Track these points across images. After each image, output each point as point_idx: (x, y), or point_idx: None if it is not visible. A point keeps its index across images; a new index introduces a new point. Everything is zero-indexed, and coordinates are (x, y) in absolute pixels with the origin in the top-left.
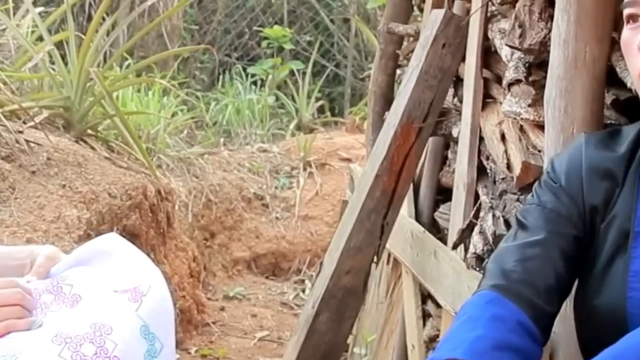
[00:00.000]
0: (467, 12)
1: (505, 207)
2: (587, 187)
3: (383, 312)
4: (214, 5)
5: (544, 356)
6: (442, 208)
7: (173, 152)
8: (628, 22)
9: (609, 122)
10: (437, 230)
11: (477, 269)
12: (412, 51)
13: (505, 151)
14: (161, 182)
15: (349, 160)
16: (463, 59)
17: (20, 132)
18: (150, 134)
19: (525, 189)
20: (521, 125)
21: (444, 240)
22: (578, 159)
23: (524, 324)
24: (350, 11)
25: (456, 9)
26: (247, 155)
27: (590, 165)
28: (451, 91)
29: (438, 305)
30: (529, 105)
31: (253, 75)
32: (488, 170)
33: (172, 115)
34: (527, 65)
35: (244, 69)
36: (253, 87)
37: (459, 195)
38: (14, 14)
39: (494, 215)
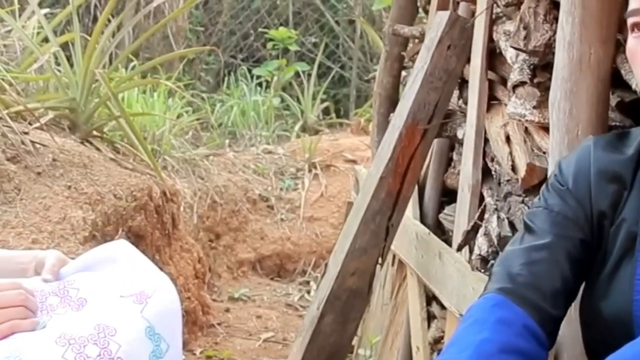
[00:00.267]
0: (472, 13)
1: (510, 209)
2: (595, 190)
3: (388, 313)
4: (220, 6)
5: (549, 358)
6: (447, 210)
7: (178, 153)
8: (633, 30)
9: (613, 124)
10: (442, 232)
11: (482, 270)
12: (417, 53)
13: (510, 153)
14: (166, 183)
15: (354, 161)
16: (468, 61)
17: (26, 133)
18: (155, 135)
19: (530, 190)
20: (526, 127)
21: (448, 242)
22: (586, 162)
23: (530, 328)
24: (355, 13)
25: (461, 11)
26: (252, 156)
27: (599, 169)
28: (456, 93)
29: (443, 307)
30: (534, 107)
31: (258, 77)
32: (493, 172)
33: (178, 117)
34: (532, 67)
35: (249, 71)
36: (258, 88)
37: (464, 197)
38: (20, 15)
39: (498, 217)
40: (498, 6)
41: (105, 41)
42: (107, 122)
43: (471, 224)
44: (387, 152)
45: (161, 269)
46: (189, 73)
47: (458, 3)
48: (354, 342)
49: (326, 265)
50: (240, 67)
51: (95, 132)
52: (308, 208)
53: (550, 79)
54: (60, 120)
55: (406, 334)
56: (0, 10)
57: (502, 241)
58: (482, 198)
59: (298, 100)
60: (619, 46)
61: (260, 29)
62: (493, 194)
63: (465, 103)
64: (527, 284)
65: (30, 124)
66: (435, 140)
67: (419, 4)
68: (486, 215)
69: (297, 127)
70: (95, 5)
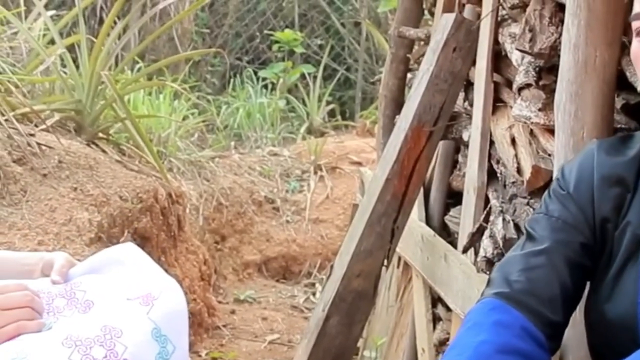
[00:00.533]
0: (478, 16)
1: (515, 211)
2: (598, 195)
3: (393, 315)
4: (225, 8)
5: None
6: (453, 212)
7: (184, 155)
8: (638, 34)
9: (619, 126)
10: (447, 234)
11: (487, 272)
12: (423, 55)
13: (516, 155)
14: (172, 185)
15: (359, 163)
16: (473, 63)
17: (32, 135)
18: (161, 137)
19: (536, 192)
20: (531, 129)
21: (454, 243)
22: (589, 167)
23: (528, 330)
24: (361, 15)
25: (467, 13)
26: (257, 158)
27: (602, 174)
28: (462, 95)
29: (448, 309)
30: (539, 110)
31: (264, 79)
32: (498, 174)
33: (183, 119)
34: (537, 69)
35: (255, 73)
36: (264, 90)
37: (469, 199)
38: (26, 17)
39: (504, 219)
40: (504, 8)
41: (111, 43)
42: (113, 124)
43: (476, 226)
44: (392, 154)
45: (167, 270)
46: (195, 75)
47: (464, 5)
48: (360, 343)
49: (332, 267)
50: (246, 69)
51: (101, 134)
52: (313, 210)
53: (555, 82)
54: (66, 122)
55: (411, 336)
56: (7, 12)
57: (508, 243)
58: (487, 200)
59: (304, 103)
60: (625, 48)
61: (265, 31)
62: (498, 196)
63: (471, 105)
64: (524, 290)
65: (36, 125)
66: (441, 143)
67: (424, 6)
68: (491, 218)
69: (302, 129)
70: (101, 7)
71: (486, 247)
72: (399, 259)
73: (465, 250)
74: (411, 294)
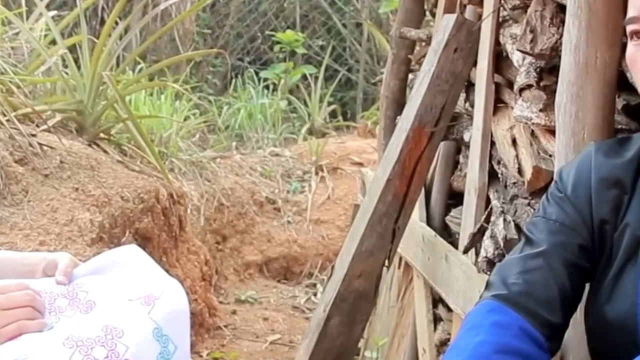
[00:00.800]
0: (479, 17)
1: (516, 211)
2: (596, 198)
3: (394, 315)
4: (227, 9)
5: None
6: (454, 212)
7: (185, 155)
8: (632, 37)
9: (619, 127)
10: (448, 235)
11: (488, 273)
12: (424, 56)
13: (517, 156)
14: (173, 185)
15: (360, 164)
16: (475, 64)
17: (34, 135)
18: (162, 137)
19: (536, 193)
20: (532, 130)
21: (455, 244)
22: (587, 169)
23: (527, 330)
24: (362, 16)
25: (468, 14)
26: (259, 159)
27: (600, 176)
28: (463, 96)
29: (449, 309)
30: (540, 110)
31: (265, 80)
32: (499, 175)
33: (185, 119)
34: (538, 70)
35: (256, 73)
36: (265, 91)
37: (470, 199)
38: (28, 17)
39: (505, 220)
40: (505, 9)
41: (113, 44)
42: (114, 124)
43: (477, 226)
44: (393, 154)
45: (168, 271)
46: (196, 76)
47: (465, 6)
48: (360, 344)
49: (333, 267)
50: (247, 69)
51: (102, 135)
52: (315, 211)
53: (556, 82)
54: (68, 123)
55: (412, 336)
56: (8, 13)
57: (509, 244)
58: (488, 201)
59: (305, 103)
60: (625, 49)
61: (267, 32)
62: (499, 196)
63: (472, 106)
64: (522, 292)
65: (37, 126)
66: (442, 143)
67: (425, 7)
68: (492, 218)
69: (304, 130)
70: (103, 8)
71: (487, 247)
72: (400, 259)
73: (466, 251)
74: (412, 295)
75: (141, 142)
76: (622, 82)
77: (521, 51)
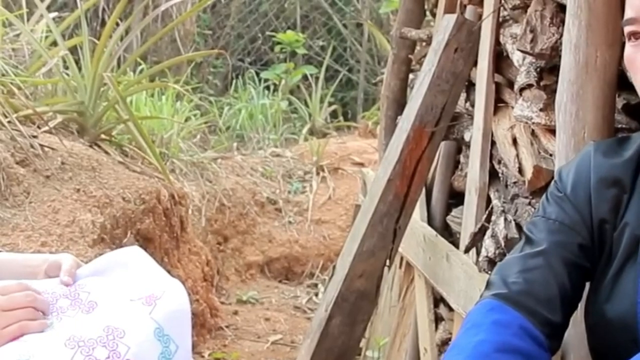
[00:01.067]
0: (479, 17)
1: (517, 211)
2: (595, 197)
3: (395, 315)
4: (227, 10)
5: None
6: (454, 212)
7: (186, 156)
8: (629, 38)
9: (619, 126)
10: (449, 234)
11: (489, 272)
12: (425, 56)
13: (517, 155)
14: (174, 186)
15: (361, 164)
16: (475, 64)
17: (35, 136)
18: (163, 138)
19: (537, 192)
20: (533, 130)
21: (456, 243)
22: (586, 169)
23: (527, 329)
24: (363, 16)
25: (468, 14)
26: (260, 159)
27: (599, 176)
28: (463, 96)
29: (450, 309)
30: (541, 110)
31: (266, 80)
32: (500, 174)
33: (186, 120)
34: (538, 70)
35: (257, 74)
36: (266, 91)
37: (471, 199)
38: (28, 19)
39: (505, 219)
40: (505, 9)
41: (114, 45)
42: (115, 125)
43: (478, 226)
44: (394, 154)
45: (169, 271)
46: (197, 76)
47: (465, 6)
48: (362, 344)
49: (334, 267)
50: (248, 70)
51: (103, 136)
52: (316, 211)
53: (556, 82)
54: (69, 124)
55: (414, 336)
56: (9, 14)
57: (509, 243)
58: (489, 200)
59: (306, 104)
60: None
61: (267, 33)
62: (500, 196)
63: (472, 106)
64: (522, 291)
65: (39, 127)
66: (443, 143)
67: (426, 7)
68: (493, 217)
69: (304, 130)
70: (104, 9)
71: (488, 247)
72: (401, 259)
73: (467, 250)
74: (413, 294)
75: (142, 143)
76: (622, 82)
77: (521, 51)
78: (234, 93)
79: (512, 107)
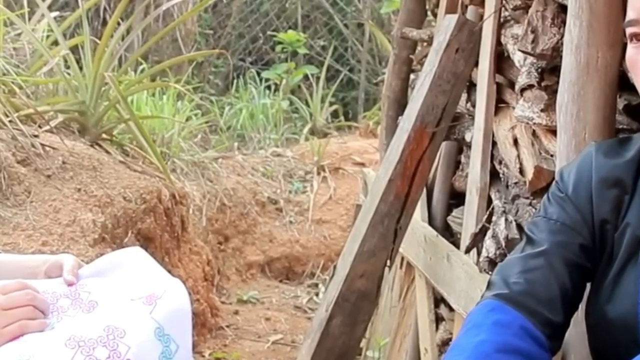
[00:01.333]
0: (480, 17)
1: (517, 211)
2: (597, 198)
3: (396, 315)
4: (228, 9)
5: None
6: (455, 212)
7: (187, 156)
8: (631, 40)
9: (620, 127)
10: (450, 235)
11: (490, 272)
12: (426, 56)
13: (518, 156)
14: (175, 186)
15: (362, 164)
16: (476, 64)
17: (36, 136)
18: (164, 138)
19: (538, 193)
20: (534, 130)
21: (456, 244)
22: (588, 169)
23: (528, 329)
24: (364, 16)
25: (469, 15)
26: (261, 159)
27: (600, 176)
28: (464, 96)
29: (451, 309)
30: (542, 110)
31: (267, 80)
32: (501, 175)
33: (187, 120)
34: (539, 70)
35: (258, 74)
36: (267, 91)
37: (472, 199)
38: (30, 18)
39: (506, 220)
40: (506, 10)
41: (115, 44)
42: (116, 125)
43: (479, 226)
44: (395, 155)
45: (170, 271)
46: (198, 76)
47: (466, 6)
48: (362, 344)
49: (334, 267)
50: (249, 70)
51: (104, 135)
52: (317, 211)
53: (557, 83)
54: (70, 123)
55: (414, 336)
56: (11, 14)
57: (510, 243)
58: (490, 201)
59: (307, 103)
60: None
61: (269, 32)
62: (501, 196)
63: (473, 106)
64: (523, 291)
65: (40, 127)
66: (443, 143)
67: (427, 7)
68: (494, 218)
69: (305, 130)
70: (105, 9)
71: (489, 247)
72: (402, 259)
73: (467, 251)
74: (414, 294)
75: (143, 142)
76: (623, 82)
77: (522, 51)
78: (235, 93)
79: (513, 108)
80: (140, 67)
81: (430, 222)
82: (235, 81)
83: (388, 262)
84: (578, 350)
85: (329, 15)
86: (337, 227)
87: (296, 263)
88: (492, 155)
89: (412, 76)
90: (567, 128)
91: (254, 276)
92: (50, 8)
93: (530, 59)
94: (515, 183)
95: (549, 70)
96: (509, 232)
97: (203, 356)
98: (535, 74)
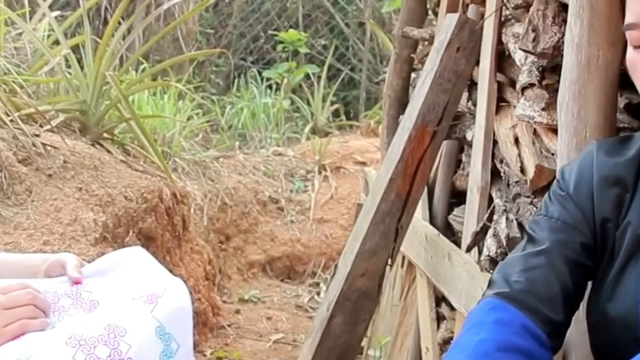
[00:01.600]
0: (481, 16)
1: (518, 210)
2: (598, 196)
3: (397, 314)
4: (230, 9)
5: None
6: (456, 211)
7: (188, 155)
8: (631, 43)
9: (621, 125)
10: (451, 233)
11: (491, 271)
12: (427, 55)
13: (519, 154)
14: (177, 185)
15: (363, 163)
16: (477, 63)
17: (37, 135)
18: (165, 137)
19: (539, 192)
20: (535, 129)
21: (457, 243)
22: (589, 168)
23: (529, 328)
24: (365, 15)
25: (470, 13)
26: (262, 158)
27: (602, 175)
28: (465, 95)
29: (452, 308)
30: (543, 109)
31: (268, 79)
32: (502, 174)
33: (188, 119)
34: (540, 69)
35: (259, 73)
36: (268, 90)
37: (473, 198)
38: (31, 18)
39: (507, 218)
40: (507, 8)
41: (116, 44)
42: (117, 124)
43: (480, 225)
44: (396, 153)
45: (171, 270)
46: (199, 75)
47: (467, 5)
48: (364, 343)
49: (336, 266)
50: (250, 69)
51: (105, 135)
52: (318, 210)
53: (558, 81)
54: (71, 123)
55: (415, 335)
56: (12, 13)
57: (511, 242)
58: (491, 199)
59: (308, 103)
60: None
61: (270, 32)
62: (502, 195)
63: (474, 105)
64: (524, 290)
65: (41, 126)
66: (445, 142)
67: (428, 6)
68: (495, 217)
69: (307, 129)
70: (106, 8)
71: (490, 246)
72: (403, 258)
73: (469, 250)
74: (415, 293)
75: (144, 141)
76: (624, 81)
77: (523, 50)
78: (236, 92)
79: (514, 107)
80: (142, 67)
81: (432, 221)
82: (236, 80)
83: (389, 261)
84: (579, 348)
85: (330, 14)
86: (338, 226)
87: (297, 262)
88: (493, 154)
89: (413, 75)
90: (568, 127)
91: (255, 275)
92: (51, 7)
93: (531, 57)
94: (516, 182)
95: (550, 69)
96: (510, 231)
97: (204, 355)
98: (536, 72)
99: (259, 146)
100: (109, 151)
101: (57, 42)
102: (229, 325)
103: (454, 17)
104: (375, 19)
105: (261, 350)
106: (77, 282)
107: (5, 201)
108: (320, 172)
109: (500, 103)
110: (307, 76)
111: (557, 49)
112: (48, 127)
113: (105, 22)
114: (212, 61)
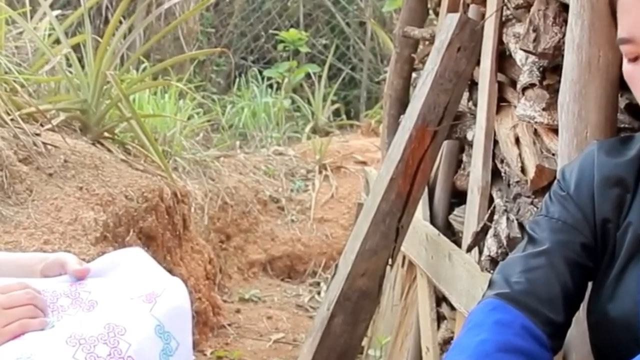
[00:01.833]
0: (482, 16)
1: (519, 210)
2: (599, 197)
3: (398, 314)
4: (230, 8)
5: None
6: (457, 211)
7: (189, 154)
8: (625, 55)
9: (622, 126)
10: (451, 233)
11: (491, 271)
12: (428, 55)
13: (520, 155)
14: (177, 184)
15: (364, 163)
16: (478, 63)
17: (38, 134)
18: (166, 136)
19: (540, 192)
20: (535, 129)
21: (458, 243)
22: (590, 168)
23: (529, 328)
24: (366, 15)
25: (471, 13)
26: (262, 158)
27: (602, 175)
28: (466, 95)
29: (452, 308)
30: (543, 109)
31: (269, 79)
32: (502, 174)
33: (188, 118)
34: (541, 69)
35: (260, 72)
36: (269, 90)
37: (474, 198)
38: (32, 17)
39: (508, 218)
40: (508, 8)
41: (117, 43)
42: (118, 123)
43: (481, 225)
44: (397, 153)
45: (172, 270)
46: (200, 75)
47: (468, 5)
48: (364, 342)
49: (336, 266)
50: (251, 68)
51: (106, 134)
52: (318, 209)
53: (559, 81)
54: (72, 122)
55: (416, 335)
56: (12, 12)
57: (512, 242)
58: (491, 199)
59: (309, 102)
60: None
61: (271, 31)
62: (502, 195)
63: (475, 105)
64: (524, 290)
65: (42, 125)
66: (445, 142)
67: (429, 6)
68: (495, 217)
69: (307, 129)
70: (107, 7)
71: (490, 246)
72: (404, 258)
73: (469, 250)
74: (415, 293)
75: (145, 141)
76: (624, 82)
77: (524, 50)
78: (237, 91)
79: (515, 107)
80: (142, 66)
81: (432, 220)
82: (237, 80)
83: (390, 260)
84: (579, 349)
85: (331, 13)
86: (339, 226)
87: (298, 262)
88: (494, 154)
89: (414, 75)
90: (568, 127)
91: (255, 275)
92: (52, 6)
93: (532, 57)
94: (517, 182)
95: (551, 69)
96: (511, 231)
97: (205, 355)
98: (537, 72)
99: (260, 145)
100: (109, 150)
101: (58, 41)
102: (229, 325)
103: (454, 17)
104: (376, 18)
105: (261, 349)
106: (81, 277)
107: (6, 200)
108: (320, 172)
109: (501, 103)
110: (308, 75)
111: (558, 49)
112: (49, 126)
113: (106, 21)
114: (213, 60)
